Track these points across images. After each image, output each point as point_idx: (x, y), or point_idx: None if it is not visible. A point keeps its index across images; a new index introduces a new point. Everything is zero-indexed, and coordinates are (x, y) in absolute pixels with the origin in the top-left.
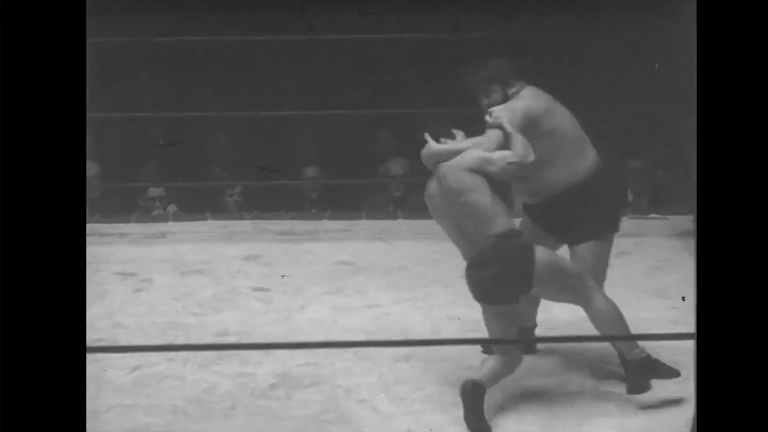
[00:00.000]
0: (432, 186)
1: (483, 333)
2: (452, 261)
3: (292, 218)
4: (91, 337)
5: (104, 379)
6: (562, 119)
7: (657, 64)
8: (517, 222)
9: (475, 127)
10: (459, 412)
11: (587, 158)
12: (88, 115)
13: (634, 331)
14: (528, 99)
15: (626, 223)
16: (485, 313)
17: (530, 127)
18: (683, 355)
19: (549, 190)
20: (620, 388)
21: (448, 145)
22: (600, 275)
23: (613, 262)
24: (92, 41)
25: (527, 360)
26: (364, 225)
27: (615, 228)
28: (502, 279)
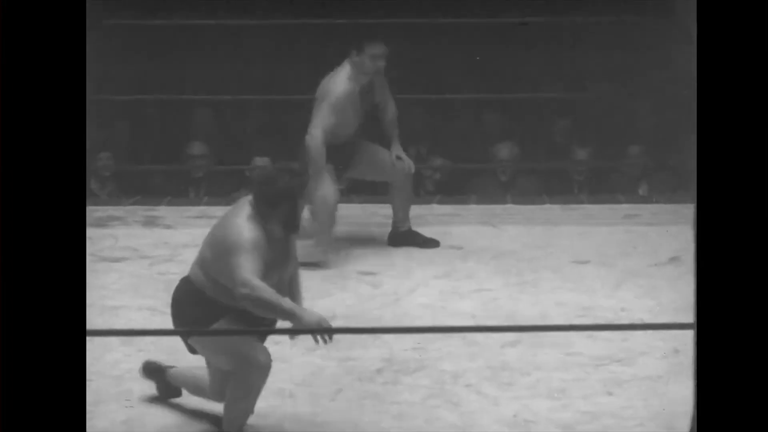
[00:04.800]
0: None
1: (592, 319)
2: (561, 246)
3: None
4: None
5: None
6: None
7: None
8: None
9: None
10: (566, 397)
11: None
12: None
13: None
14: None
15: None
16: None
17: None
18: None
19: None
20: None
21: None
22: None
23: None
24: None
25: None
26: (474, 209)
27: None
28: None
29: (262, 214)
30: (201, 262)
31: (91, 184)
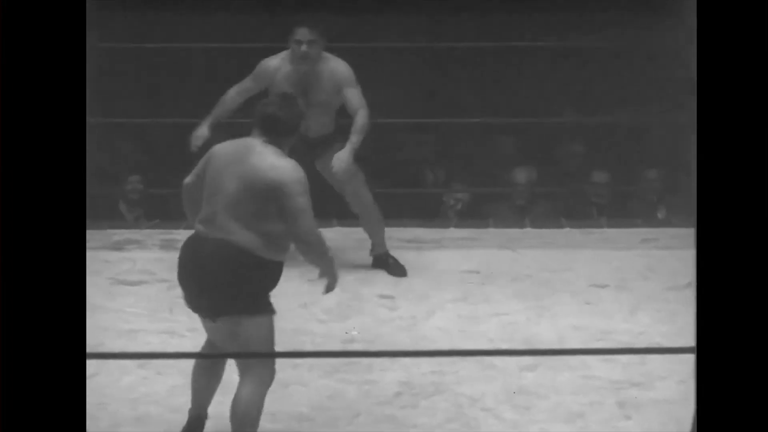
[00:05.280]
0: None
1: (610, 343)
2: (579, 270)
3: (418, 226)
4: None
5: (227, 382)
6: None
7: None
8: None
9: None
10: (583, 421)
11: None
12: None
13: None
14: None
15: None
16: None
17: None
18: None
19: None
20: None
21: None
22: None
23: None
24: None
25: None
26: (491, 233)
27: None
28: None
29: (281, 147)
30: (245, 221)
31: (120, 207)
